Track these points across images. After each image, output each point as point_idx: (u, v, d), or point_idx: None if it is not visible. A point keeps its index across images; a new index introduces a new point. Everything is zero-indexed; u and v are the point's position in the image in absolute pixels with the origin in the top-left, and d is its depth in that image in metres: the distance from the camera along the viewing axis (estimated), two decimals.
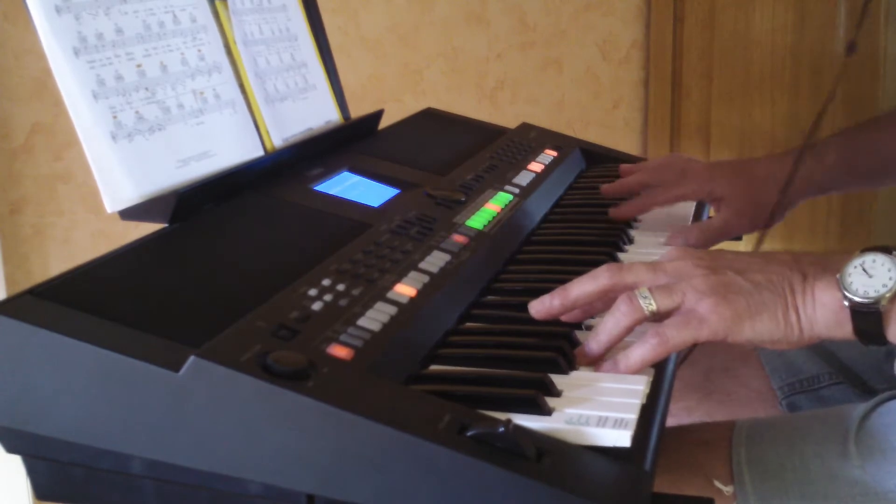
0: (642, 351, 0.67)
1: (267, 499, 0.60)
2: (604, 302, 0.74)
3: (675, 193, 1.05)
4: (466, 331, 0.76)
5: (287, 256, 0.76)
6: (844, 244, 1.99)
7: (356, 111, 1.12)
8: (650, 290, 0.70)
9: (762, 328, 0.69)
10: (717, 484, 0.77)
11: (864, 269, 0.68)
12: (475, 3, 1.92)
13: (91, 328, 0.60)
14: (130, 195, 0.78)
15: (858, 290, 0.68)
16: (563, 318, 0.74)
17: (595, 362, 0.69)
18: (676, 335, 0.68)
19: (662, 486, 0.62)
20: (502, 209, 0.95)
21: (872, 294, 0.67)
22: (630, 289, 0.71)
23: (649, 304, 0.69)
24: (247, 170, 0.89)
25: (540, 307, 0.73)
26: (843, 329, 0.69)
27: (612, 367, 0.68)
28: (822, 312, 0.69)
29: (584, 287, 0.72)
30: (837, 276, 0.69)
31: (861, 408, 0.79)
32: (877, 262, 0.68)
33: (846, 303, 0.68)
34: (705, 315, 0.68)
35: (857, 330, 0.68)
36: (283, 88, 1.00)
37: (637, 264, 0.73)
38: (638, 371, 0.68)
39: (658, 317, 0.69)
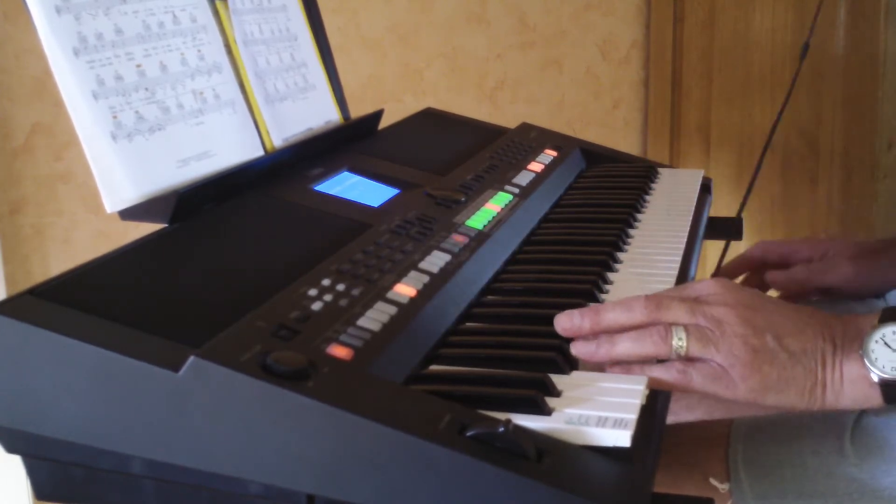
0: (662, 376, 0.68)
1: (267, 499, 0.60)
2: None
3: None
4: (466, 331, 0.76)
5: (287, 256, 0.76)
6: None
7: (356, 111, 1.12)
8: (687, 330, 0.69)
9: (786, 400, 0.70)
10: (713, 481, 0.78)
11: (885, 343, 0.69)
12: (475, 3, 1.92)
13: (91, 328, 0.60)
14: (130, 195, 0.78)
15: (885, 366, 0.69)
16: None
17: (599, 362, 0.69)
18: (700, 384, 0.68)
19: (660, 483, 0.62)
20: (502, 209, 0.95)
21: None
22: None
23: (681, 347, 0.69)
24: (247, 170, 0.89)
25: (568, 325, 0.72)
26: (871, 401, 0.70)
27: (625, 374, 0.67)
28: (851, 388, 0.70)
29: (617, 317, 0.71)
30: (860, 352, 0.69)
31: None
32: None
33: (875, 378, 0.69)
34: (735, 380, 0.68)
35: (889, 400, 0.69)
36: (283, 88, 1.00)
37: (676, 301, 0.71)
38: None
39: (682, 357, 0.69)
